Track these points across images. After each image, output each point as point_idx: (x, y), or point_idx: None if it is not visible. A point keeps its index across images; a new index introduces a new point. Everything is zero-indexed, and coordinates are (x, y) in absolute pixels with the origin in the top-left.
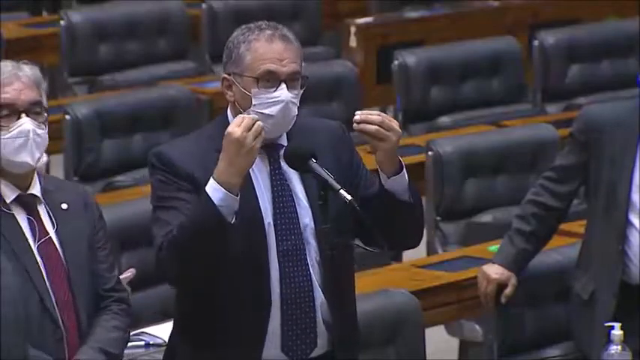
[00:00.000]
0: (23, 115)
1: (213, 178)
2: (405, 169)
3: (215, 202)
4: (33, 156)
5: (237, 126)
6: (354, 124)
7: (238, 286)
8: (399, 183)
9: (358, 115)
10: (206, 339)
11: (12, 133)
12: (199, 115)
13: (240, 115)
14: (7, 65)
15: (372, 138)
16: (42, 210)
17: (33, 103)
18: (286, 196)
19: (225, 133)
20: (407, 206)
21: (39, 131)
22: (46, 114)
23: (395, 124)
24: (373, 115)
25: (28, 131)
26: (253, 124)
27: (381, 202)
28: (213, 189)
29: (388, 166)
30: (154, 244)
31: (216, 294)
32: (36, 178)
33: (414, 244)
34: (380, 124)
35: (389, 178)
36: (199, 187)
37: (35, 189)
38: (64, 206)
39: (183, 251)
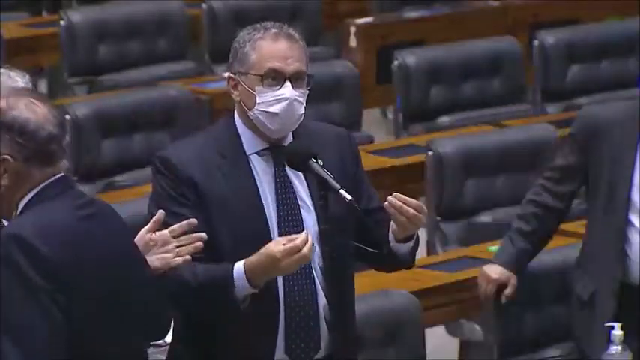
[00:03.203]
0: None
1: (244, 265)
2: (415, 238)
3: (235, 285)
4: None
5: (282, 244)
6: (387, 204)
7: None
8: (404, 246)
9: (394, 199)
10: (213, 343)
11: None
12: (199, 115)
13: (292, 236)
14: (7, 77)
15: (407, 220)
16: None
17: None
18: (290, 200)
19: (267, 246)
20: (405, 263)
21: None
22: None
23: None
24: (410, 199)
25: None
26: (298, 251)
27: (381, 252)
28: (238, 274)
29: (403, 236)
30: None
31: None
32: None
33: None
34: (416, 208)
35: (397, 241)
36: (200, 194)
37: None
38: None
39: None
